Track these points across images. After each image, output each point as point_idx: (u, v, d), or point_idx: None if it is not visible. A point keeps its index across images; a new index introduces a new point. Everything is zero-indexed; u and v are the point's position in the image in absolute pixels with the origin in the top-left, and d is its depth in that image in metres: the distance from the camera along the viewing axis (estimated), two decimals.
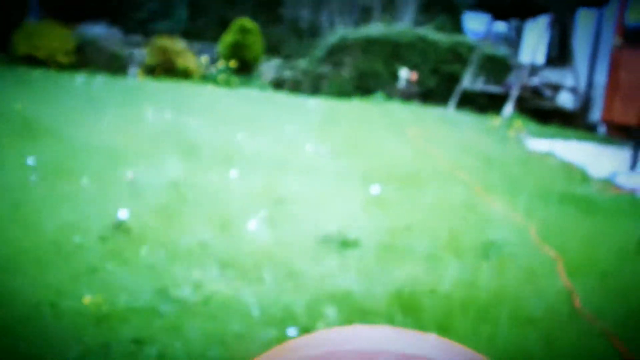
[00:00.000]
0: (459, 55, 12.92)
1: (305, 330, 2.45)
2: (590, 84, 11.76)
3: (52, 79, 11.16)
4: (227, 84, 12.86)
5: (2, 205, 3.84)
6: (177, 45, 13.06)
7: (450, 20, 15.91)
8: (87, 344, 2.29)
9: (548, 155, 7.52)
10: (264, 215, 3.94)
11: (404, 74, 12.67)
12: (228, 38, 13.49)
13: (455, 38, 13.42)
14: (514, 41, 14.40)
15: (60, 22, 12.79)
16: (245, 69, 13.57)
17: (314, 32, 15.66)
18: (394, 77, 12.81)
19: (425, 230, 3.94)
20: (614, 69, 9.32)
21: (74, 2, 13.65)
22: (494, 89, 12.33)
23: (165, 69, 12.98)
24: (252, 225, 3.73)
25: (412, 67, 12.82)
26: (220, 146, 6.24)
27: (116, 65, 12.98)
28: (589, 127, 11.10)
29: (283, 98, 11.71)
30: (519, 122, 9.70)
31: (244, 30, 13.47)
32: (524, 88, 11.51)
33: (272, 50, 14.79)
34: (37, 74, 11.66)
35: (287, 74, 13.27)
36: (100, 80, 11.69)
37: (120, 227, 3.45)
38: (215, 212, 3.98)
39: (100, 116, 7.77)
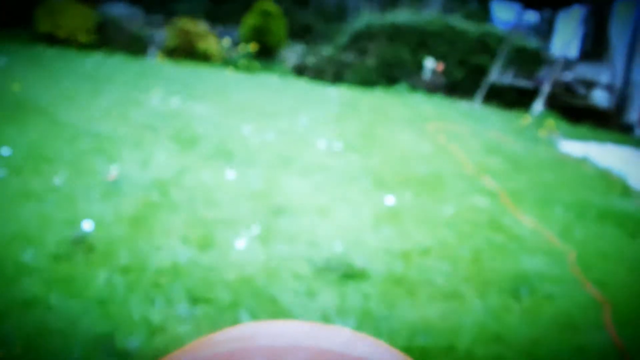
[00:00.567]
0: (487, 46, 12.18)
1: None
2: (627, 81, 10.92)
3: (65, 58, 10.66)
4: (247, 69, 12.31)
5: None
6: (199, 27, 12.53)
7: (479, 8, 15.15)
8: None
9: (583, 160, 6.84)
10: (255, 231, 3.37)
11: (430, 64, 11.96)
12: (250, 21, 12.90)
13: (484, 28, 12.62)
14: (545, 32, 13.62)
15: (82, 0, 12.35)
16: (267, 54, 12.99)
17: (341, 16, 14.95)
18: (420, 67, 12.12)
19: (445, 256, 3.35)
20: None
21: None
22: (523, 83, 11.56)
23: (186, 51, 12.47)
24: (241, 243, 3.17)
25: (439, 57, 12.11)
26: (222, 139, 5.66)
27: (136, 46, 12.52)
28: (624, 128, 10.33)
29: (303, 86, 11.10)
30: (552, 122, 8.98)
31: (265, 14, 12.85)
32: (556, 83, 10.77)
33: (297, 34, 14.15)
34: (51, 52, 11.17)
35: (310, 60, 12.62)
36: (116, 61, 11.18)
37: (81, 242, 2.90)
38: (200, 223, 3.42)
39: (99, 100, 7.24)
